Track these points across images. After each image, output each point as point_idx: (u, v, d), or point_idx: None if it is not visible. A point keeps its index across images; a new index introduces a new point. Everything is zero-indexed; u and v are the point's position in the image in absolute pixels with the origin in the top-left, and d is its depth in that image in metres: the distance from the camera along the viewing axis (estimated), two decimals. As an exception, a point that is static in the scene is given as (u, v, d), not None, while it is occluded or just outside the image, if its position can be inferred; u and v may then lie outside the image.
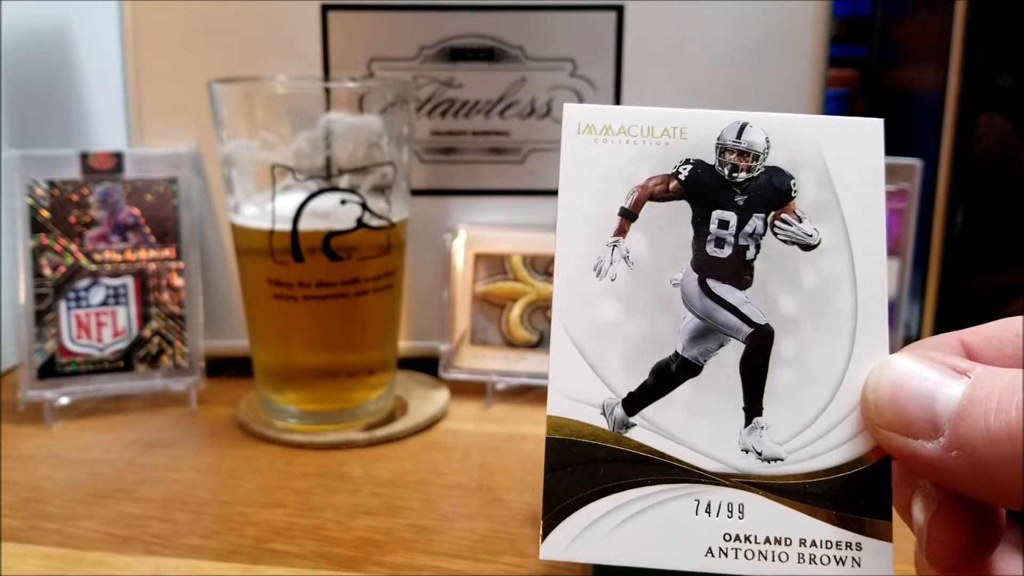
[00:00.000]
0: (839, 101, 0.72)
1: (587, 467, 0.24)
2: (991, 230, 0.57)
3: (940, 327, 0.58)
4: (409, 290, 0.58)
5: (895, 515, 0.24)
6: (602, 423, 0.24)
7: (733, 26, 0.56)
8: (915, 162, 0.57)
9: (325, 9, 0.56)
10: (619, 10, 0.56)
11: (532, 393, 0.58)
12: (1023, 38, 0.53)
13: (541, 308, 0.58)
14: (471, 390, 0.58)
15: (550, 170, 0.58)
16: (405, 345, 0.60)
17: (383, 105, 0.51)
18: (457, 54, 0.57)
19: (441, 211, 0.59)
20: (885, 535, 0.23)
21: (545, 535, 0.24)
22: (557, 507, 0.24)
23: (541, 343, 0.57)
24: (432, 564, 0.40)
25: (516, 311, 0.57)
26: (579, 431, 0.24)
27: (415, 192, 0.57)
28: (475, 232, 0.58)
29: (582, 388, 0.24)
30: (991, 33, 0.53)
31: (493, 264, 0.58)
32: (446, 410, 0.56)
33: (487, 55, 0.57)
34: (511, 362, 0.57)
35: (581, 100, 0.57)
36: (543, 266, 0.58)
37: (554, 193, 0.67)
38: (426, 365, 0.60)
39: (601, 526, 0.24)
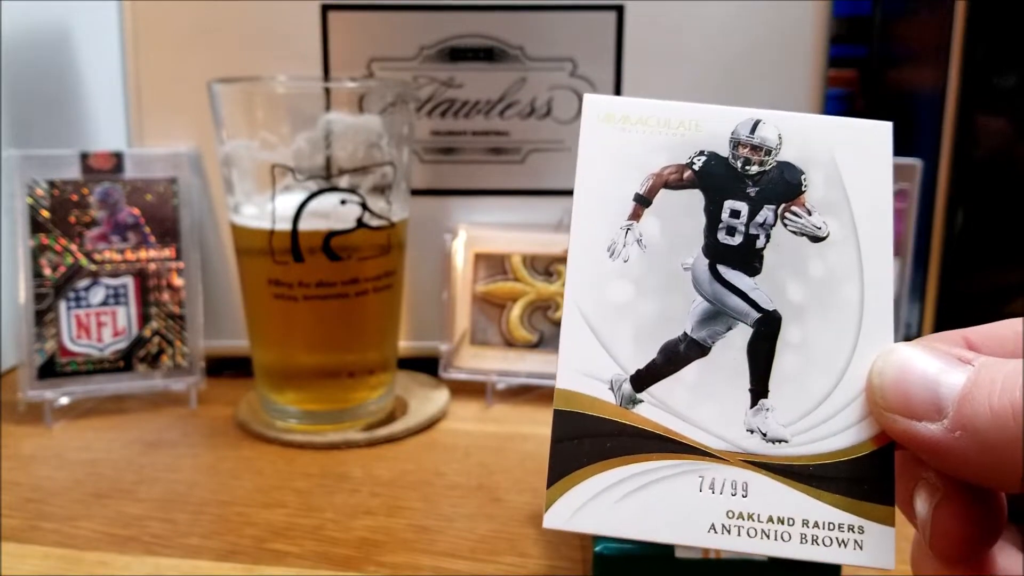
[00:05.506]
0: (839, 101, 0.72)
1: (593, 440, 0.24)
2: (991, 230, 0.57)
3: (940, 327, 0.57)
4: (409, 290, 0.58)
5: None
6: (610, 398, 0.25)
7: (733, 26, 0.56)
8: (915, 162, 0.57)
9: (325, 9, 0.56)
10: (619, 10, 0.56)
11: (532, 393, 0.58)
12: (1023, 38, 0.53)
13: (541, 308, 0.58)
14: (471, 390, 0.58)
15: (550, 170, 0.58)
16: (405, 345, 0.60)
17: (383, 105, 0.51)
18: (457, 54, 0.57)
19: (441, 211, 0.59)
20: (887, 520, 0.24)
21: (549, 505, 0.24)
22: (562, 478, 0.24)
23: (541, 343, 0.57)
24: (432, 564, 0.40)
25: (516, 311, 0.57)
26: (587, 405, 0.24)
27: (415, 192, 0.57)
28: (475, 232, 0.58)
29: (591, 364, 0.25)
30: (991, 33, 0.53)
31: (493, 264, 0.58)
32: (446, 410, 0.56)
33: (487, 55, 0.57)
34: (511, 362, 0.57)
35: (581, 101, 0.57)
36: (543, 266, 0.58)
37: (554, 193, 0.67)
38: (426, 365, 0.60)
39: (605, 498, 0.24)
